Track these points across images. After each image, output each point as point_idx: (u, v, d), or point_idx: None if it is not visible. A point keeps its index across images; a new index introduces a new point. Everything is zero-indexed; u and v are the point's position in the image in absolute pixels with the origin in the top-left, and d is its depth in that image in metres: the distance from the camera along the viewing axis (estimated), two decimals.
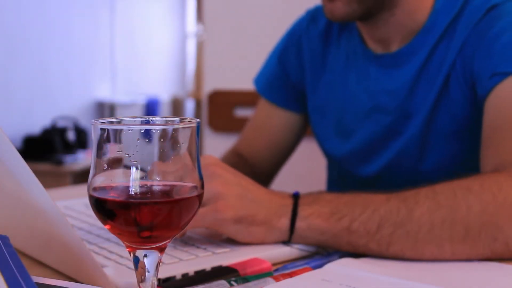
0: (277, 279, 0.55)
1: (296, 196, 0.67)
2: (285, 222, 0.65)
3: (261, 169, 1.08)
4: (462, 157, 0.86)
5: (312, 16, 1.01)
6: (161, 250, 0.43)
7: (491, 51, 0.76)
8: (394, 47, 0.88)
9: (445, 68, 0.83)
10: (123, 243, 0.43)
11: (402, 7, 0.85)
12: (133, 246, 0.42)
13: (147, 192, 0.41)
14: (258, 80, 1.09)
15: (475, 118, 0.81)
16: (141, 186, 0.41)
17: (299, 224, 0.65)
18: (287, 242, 0.67)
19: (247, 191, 0.66)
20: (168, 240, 0.43)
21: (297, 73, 1.03)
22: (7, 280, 0.41)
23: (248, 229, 0.64)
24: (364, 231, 0.63)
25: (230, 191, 0.64)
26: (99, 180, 0.41)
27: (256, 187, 0.67)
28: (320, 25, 1.00)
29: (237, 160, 1.06)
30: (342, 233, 0.64)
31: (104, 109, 4.75)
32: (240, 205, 0.64)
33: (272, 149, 1.08)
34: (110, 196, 0.41)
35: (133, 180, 0.41)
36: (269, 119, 1.08)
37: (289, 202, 0.66)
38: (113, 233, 0.42)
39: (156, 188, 0.41)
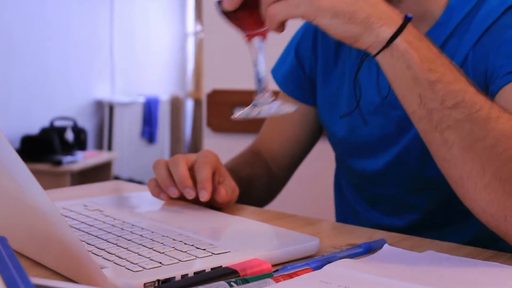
0: (277, 280, 0.55)
1: (407, 17, 0.63)
2: (387, 31, 0.61)
3: (279, 165, 1.08)
4: None
5: None
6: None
7: (510, 50, 0.76)
8: None
9: (456, 63, 0.82)
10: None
11: None
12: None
13: None
14: (275, 72, 1.09)
15: None
16: None
17: (400, 42, 0.62)
18: (365, 54, 0.68)
19: None
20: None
21: (311, 65, 1.03)
22: (6, 281, 0.41)
23: (345, 26, 0.60)
24: (440, 98, 0.61)
25: None
26: None
27: None
28: None
29: (252, 158, 1.05)
30: (423, 83, 0.61)
31: (103, 109, 4.75)
32: None
33: (290, 143, 1.07)
34: None
35: None
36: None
37: (398, 16, 0.63)
38: None
39: None
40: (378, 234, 0.75)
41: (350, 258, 0.63)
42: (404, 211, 0.94)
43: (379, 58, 0.63)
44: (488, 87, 0.80)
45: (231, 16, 0.65)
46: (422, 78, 0.61)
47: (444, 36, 0.85)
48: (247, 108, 0.66)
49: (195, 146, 5.83)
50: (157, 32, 5.60)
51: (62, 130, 3.90)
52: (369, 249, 0.67)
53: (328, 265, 0.59)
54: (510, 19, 0.79)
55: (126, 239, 0.66)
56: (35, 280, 0.47)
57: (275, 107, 0.66)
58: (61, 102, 4.29)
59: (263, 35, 0.66)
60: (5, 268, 0.42)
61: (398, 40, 0.61)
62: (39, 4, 4.06)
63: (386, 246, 0.67)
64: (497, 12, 0.80)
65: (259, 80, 0.66)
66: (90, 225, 0.72)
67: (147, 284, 0.53)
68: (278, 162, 1.07)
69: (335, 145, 1.02)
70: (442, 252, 0.65)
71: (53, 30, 4.20)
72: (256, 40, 0.66)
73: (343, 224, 0.86)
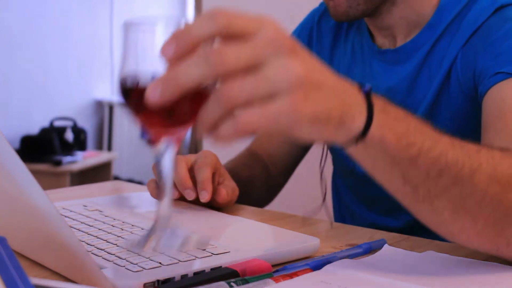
0: (277, 280, 0.55)
1: (368, 94, 0.53)
2: (360, 121, 0.51)
3: (277, 166, 1.07)
4: None
5: (325, 9, 1.02)
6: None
7: (498, 51, 0.77)
8: (400, 43, 0.88)
9: (446, 64, 0.83)
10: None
11: None
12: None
13: None
14: None
15: (475, 117, 0.81)
16: None
17: (374, 129, 0.51)
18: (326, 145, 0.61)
19: (325, 75, 0.49)
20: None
21: None
22: (5, 281, 0.41)
23: (321, 132, 0.49)
24: (424, 171, 0.54)
25: (311, 77, 0.46)
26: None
27: (327, 67, 0.50)
28: (332, 19, 1.00)
29: (250, 159, 1.05)
30: (403, 162, 0.53)
31: (103, 109, 4.75)
32: (319, 98, 0.47)
33: (287, 144, 1.07)
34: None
35: None
36: None
37: (362, 99, 0.52)
38: None
39: None
40: (378, 234, 0.75)
41: (350, 258, 0.63)
42: (400, 211, 0.94)
43: (350, 150, 0.54)
44: (477, 88, 0.80)
45: (144, 109, 0.44)
46: (402, 157, 0.54)
47: (434, 37, 0.85)
48: (141, 236, 0.48)
49: (195, 146, 5.83)
50: None
51: (62, 130, 3.90)
52: (369, 249, 0.66)
53: (328, 265, 0.59)
54: (499, 20, 0.79)
55: (126, 239, 0.66)
56: (35, 280, 0.47)
57: (179, 241, 0.48)
58: (61, 102, 4.29)
59: (179, 138, 0.49)
60: (5, 268, 0.42)
61: (372, 129, 0.51)
62: (39, 4, 4.05)
63: (386, 246, 0.67)
64: (487, 12, 0.80)
65: (163, 194, 0.48)
66: (90, 225, 0.72)
67: (147, 285, 0.53)
68: (276, 163, 1.07)
69: (331, 146, 1.02)
70: (442, 252, 0.65)
71: (53, 30, 4.20)
72: (166, 141, 0.48)
73: (342, 224, 0.86)
